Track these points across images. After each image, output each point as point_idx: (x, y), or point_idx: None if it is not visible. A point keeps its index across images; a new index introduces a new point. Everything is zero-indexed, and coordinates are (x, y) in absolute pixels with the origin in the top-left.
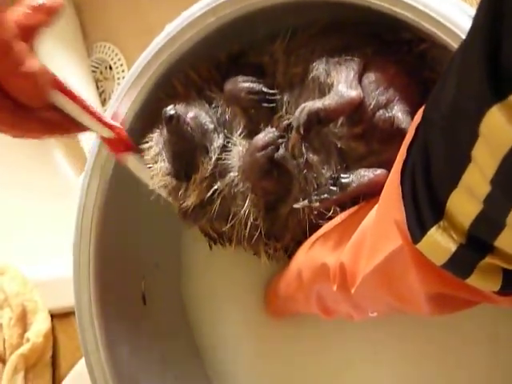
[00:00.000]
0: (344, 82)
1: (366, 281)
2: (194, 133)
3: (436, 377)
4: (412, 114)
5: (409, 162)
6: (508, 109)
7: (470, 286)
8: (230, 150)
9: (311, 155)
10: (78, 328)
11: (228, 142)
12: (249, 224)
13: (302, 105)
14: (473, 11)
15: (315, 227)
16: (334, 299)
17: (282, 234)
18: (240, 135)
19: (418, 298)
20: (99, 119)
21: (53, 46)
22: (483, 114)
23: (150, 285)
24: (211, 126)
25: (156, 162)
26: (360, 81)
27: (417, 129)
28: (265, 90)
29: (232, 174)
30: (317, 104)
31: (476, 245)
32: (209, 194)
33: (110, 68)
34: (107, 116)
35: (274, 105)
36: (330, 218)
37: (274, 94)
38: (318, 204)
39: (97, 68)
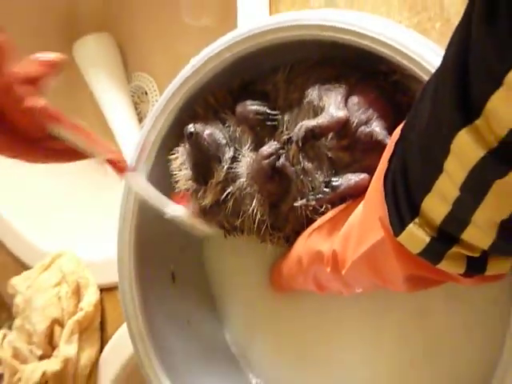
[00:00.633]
0: (333, 105)
1: (354, 265)
2: (210, 146)
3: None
4: (387, 129)
5: (390, 171)
6: (474, 131)
7: (439, 270)
8: (240, 161)
9: (307, 163)
10: (120, 299)
11: (238, 154)
12: (256, 219)
13: (300, 123)
14: (437, 47)
15: (311, 221)
16: (327, 279)
17: (283, 226)
18: (248, 148)
19: (397, 278)
20: (95, 143)
21: (100, 75)
22: (454, 135)
23: (177, 265)
24: (223, 141)
25: (181, 170)
26: (346, 103)
27: (395, 145)
28: (268, 111)
29: (242, 179)
30: (312, 122)
31: (445, 238)
32: (223, 195)
33: (146, 93)
34: (104, 141)
35: (276, 123)
36: (323, 214)
37: (275, 115)
38: (313, 202)
39: (135, 93)
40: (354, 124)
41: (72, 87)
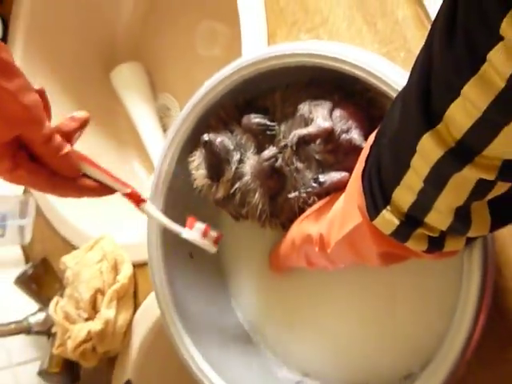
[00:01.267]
0: (320, 117)
1: (337, 245)
2: (221, 151)
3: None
4: (364, 137)
5: (366, 169)
6: (436, 134)
7: (406, 247)
8: (245, 162)
9: (299, 164)
10: (149, 272)
11: (244, 157)
12: (258, 209)
13: (293, 132)
14: (401, 71)
15: (302, 210)
16: (315, 257)
17: (280, 214)
18: (252, 152)
19: (372, 255)
20: (116, 180)
21: (133, 96)
22: (419, 138)
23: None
24: (232, 147)
25: (198, 169)
26: (330, 116)
27: (370, 148)
28: (268, 123)
29: (247, 177)
30: (303, 131)
31: (411, 221)
32: (232, 190)
33: (169, 109)
34: (121, 177)
35: (274, 132)
36: (312, 204)
37: (274, 126)
38: (304, 195)
39: (160, 109)
40: (337, 132)
41: (111, 105)
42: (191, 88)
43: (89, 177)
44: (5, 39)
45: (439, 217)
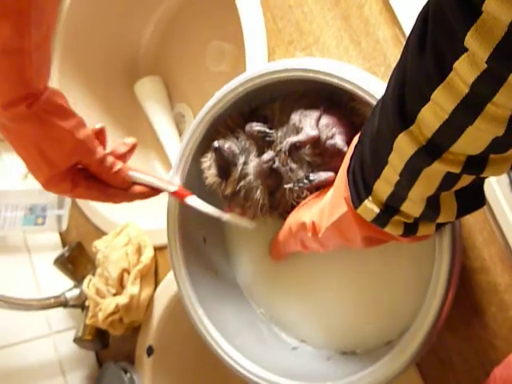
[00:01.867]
0: (309, 126)
1: (327, 230)
2: (229, 155)
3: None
4: (346, 141)
5: (351, 166)
6: (409, 134)
7: (385, 232)
8: (248, 164)
9: (293, 164)
10: (168, 254)
11: (247, 160)
12: (260, 202)
13: (286, 139)
14: (382, 83)
15: (297, 203)
16: (309, 241)
17: (278, 207)
18: (254, 155)
19: (356, 238)
20: (163, 181)
21: (153, 105)
22: (395, 138)
23: (207, 232)
24: (237, 151)
25: (209, 169)
26: (318, 124)
27: (354, 148)
28: (267, 130)
29: (250, 176)
30: (294, 139)
31: (389, 209)
32: (238, 187)
33: (184, 117)
34: (166, 178)
35: (272, 138)
36: (304, 198)
37: (272, 133)
38: (297, 189)
39: (176, 117)
40: (324, 138)
41: (135, 114)
42: (203, 98)
43: (138, 183)
44: None
45: (413, 205)
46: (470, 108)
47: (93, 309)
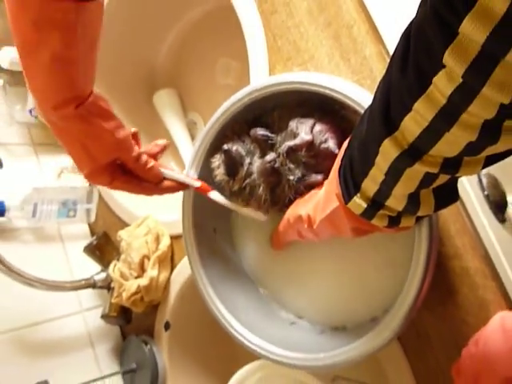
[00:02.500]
0: (304, 132)
1: (321, 222)
2: (236, 156)
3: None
4: (338, 145)
5: (342, 166)
6: (394, 140)
7: (372, 224)
8: (253, 164)
9: (291, 165)
10: (183, 242)
11: (252, 160)
12: (262, 198)
13: (285, 143)
14: (368, 94)
15: (294, 198)
16: (305, 231)
17: (278, 202)
18: (258, 157)
19: (346, 229)
20: (189, 177)
21: (169, 114)
22: (381, 142)
23: (217, 223)
24: (244, 153)
25: (219, 168)
26: (312, 130)
27: (345, 150)
28: (269, 134)
29: (254, 175)
30: (291, 143)
31: (376, 204)
32: (243, 185)
33: (196, 124)
34: (190, 175)
35: (273, 142)
36: (301, 194)
37: (273, 137)
38: (294, 186)
39: (189, 124)
40: (317, 143)
41: (153, 121)
42: (212, 108)
43: (168, 179)
44: None
45: (396, 201)
46: (447, 117)
47: (117, 289)
